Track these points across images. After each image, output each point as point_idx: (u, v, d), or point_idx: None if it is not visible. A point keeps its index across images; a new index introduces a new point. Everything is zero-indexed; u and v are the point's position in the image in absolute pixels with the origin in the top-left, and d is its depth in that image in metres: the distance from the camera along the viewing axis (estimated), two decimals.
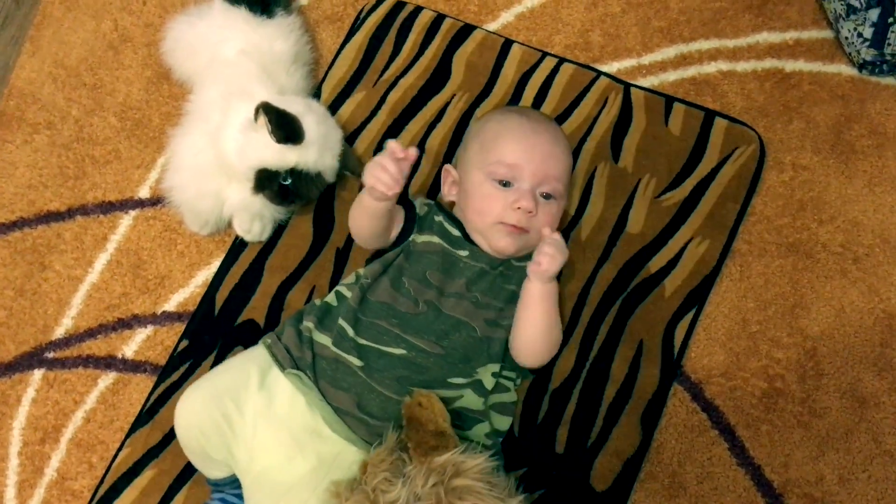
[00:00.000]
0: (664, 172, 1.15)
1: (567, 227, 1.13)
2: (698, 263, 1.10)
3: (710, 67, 1.21)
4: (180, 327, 1.15)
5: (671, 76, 1.21)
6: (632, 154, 1.16)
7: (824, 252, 1.11)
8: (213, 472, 1.00)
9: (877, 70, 1.16)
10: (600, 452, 1.04)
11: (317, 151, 1.06)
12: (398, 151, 0.97)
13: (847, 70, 1.19)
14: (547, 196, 1.02)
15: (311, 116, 1.06)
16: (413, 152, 0.97)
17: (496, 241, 1.02)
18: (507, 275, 1.03)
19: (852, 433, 1.04)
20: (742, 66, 1.21)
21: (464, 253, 1.02)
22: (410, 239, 1.04)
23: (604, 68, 1.22)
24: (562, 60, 1.21)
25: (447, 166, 1.10)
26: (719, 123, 1.16)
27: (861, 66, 1.17)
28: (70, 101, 1.28)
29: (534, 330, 0.99)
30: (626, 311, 1.09)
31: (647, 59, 1.22)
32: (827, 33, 1.20)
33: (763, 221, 1.14)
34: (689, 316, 1.09)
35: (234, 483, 1.01)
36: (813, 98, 1.18)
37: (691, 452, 1.05)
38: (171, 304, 1.17)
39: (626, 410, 1.05)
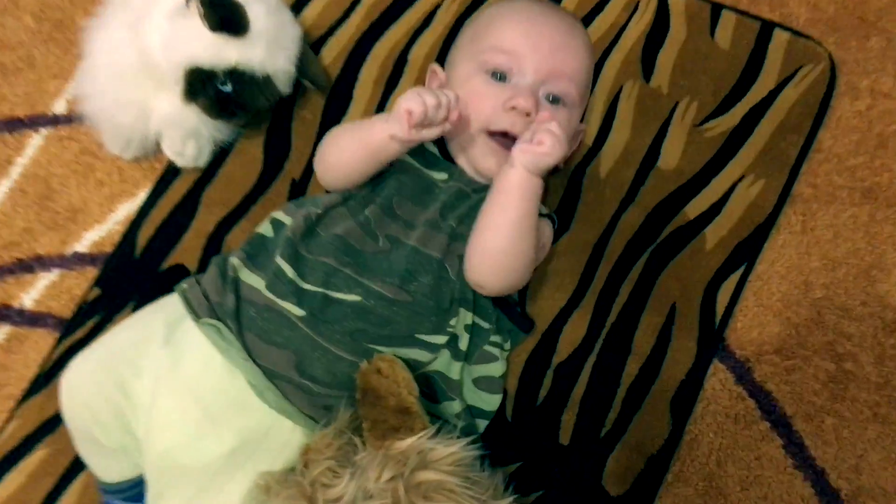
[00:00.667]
0: (708, 95, 0.93)
1: (582, 161, 0.90)
2: (749, 209, 0.89)
3: None
4: (93, 272, 0.93)
5: None
6: (668, 71, 0.94)
7: None
8: (108, 469, 0.78)
9: None
10: (617, 446, 0.82)
11: (264, 48, 0.83)
12: (453, 99, 0.75)
13: None
14: (554, 99, 0.80)
15: (259, 4, 0.83)
16: (455, 115, 0.75)
17: (481, 160, 0.79)
18: None
19: None
20: None
21: (441, 175, 0.80)
22: None
23: None
24: None
25: (433, 65, 0.87)
26: (779, 37, 0.94)
27: None
28: None
29: (499, 233, 0.73)
30: (655, 266, 0.87)
31: None
32: None
33: (832, 160, 0.92)
34: (737, 275, 0.87)
35: (132, 489, 0.79)
36: None
37: (734, 449, 0.83)
38: (83, 244, 0.95)
39: (652, 393, 0.83)
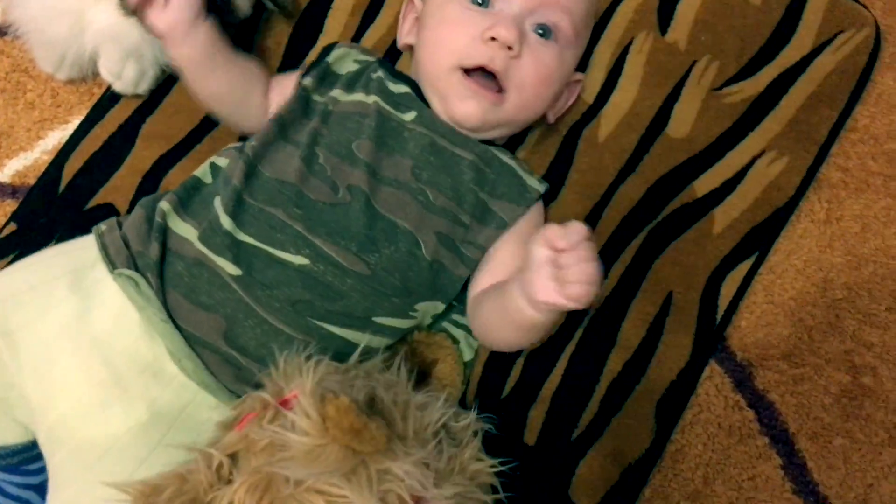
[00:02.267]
0: (732, 55, 0.81)
1: (580, 120, 0.78)
2: (768, 190, 0.77)
3: None
4: (12, 205, 0.82)
5: None
6: (687, 24, 0.82)
7: None
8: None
9: None
10: (590, 451, 0.71)
11: None
12: None
13: None
14: (543, 32, 0.68)
15: None
16: None
17: (452, 103, 0.68)
18: (480, 170, 0.68)
19: None
20: None
21: (409, 115, 0.68)
22: (332, 96, 0.69)
23: None
24: None
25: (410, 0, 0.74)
26: None
27: None
28: None
29: (504, 341, 0.67)
30: (652, 247, 0.76)
31: None
32: None
33: (868, 141, 0.80)
34: (746, 265, 0.76)
35: (21, 454, 0.68)
36: None
37: (725, 465, 0.72)
38: (4, 173, 0.84)
39: (636, 393, 0.73)
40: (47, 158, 0.83)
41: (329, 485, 0.47)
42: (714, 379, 0.74)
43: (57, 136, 0.84)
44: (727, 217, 0.76)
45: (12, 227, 0.80)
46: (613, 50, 0.80)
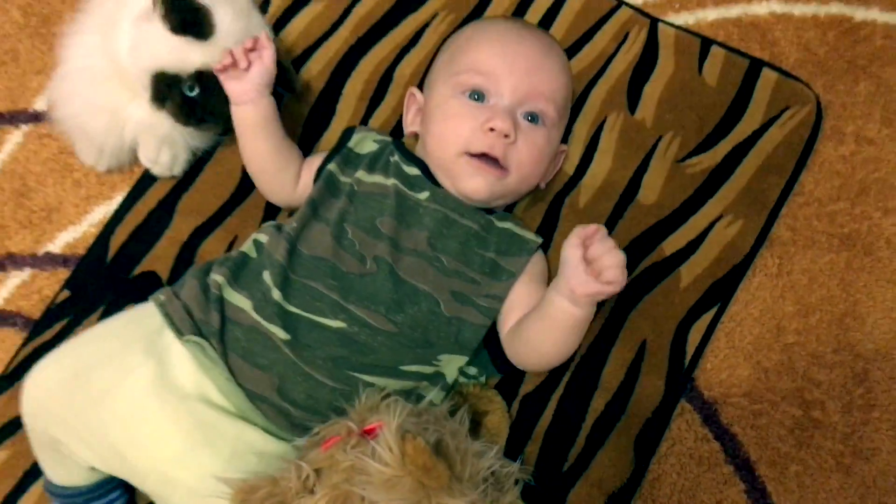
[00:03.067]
0: (692, 131, 0.92)
1: (562, 189, 0.90)
2: (726, 249, 0.88)
3: (761, 8, 0.98)
4: (64, 274, 0.93)
5: (711, 14, 0.98)
6: (653, 104, 0.93)
7: (888, 249, 0.89)
8: (59, 472, 0.78)
9: None
10: (578, 481, 0.81)
11: None
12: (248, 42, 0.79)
13: None
14: (532, 118, 0.79)
15: (226, 7, 0.83)
16: (265, 41, 0.80)
17: (463, 182, 0.79)
18: (483, 237, 0.79)
19: None
20: (801, 9, 0.98)
21: (423, 195, 0.79)
22: (356, 177, 0.80)
23: None
24: None
25: (412, 89, 0.86)
26: (767, 76, 0.93)
27: None
28: None
29: (554, 353, 0.77)
30: (627, 301, 0.86)
31: None
32: None
33: (813, 204, 0.91)
34: (709, 315, 0.86)
35: (83, 496, 0.78)
36: (887, 56, 0.96)
37: (696, 491, 0.82)
38: (56, 245, 0.95)
39: (617, 429, 0.83)
40: (94, 231, 0.94)
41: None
42: (685, 415, 0.84)
43: (102, 211, 0.95)
44: (691, 273, 0.86)
45: (66, 293, 0.90)
46: (589, 128, 0.92)
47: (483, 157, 0.78)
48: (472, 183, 0.78)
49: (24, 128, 0.99)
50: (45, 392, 0.75)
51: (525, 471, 0.72)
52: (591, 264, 0.69)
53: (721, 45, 0.95)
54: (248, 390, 0.72)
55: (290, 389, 0.72)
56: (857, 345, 0.85)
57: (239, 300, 0.75)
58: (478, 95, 0.78)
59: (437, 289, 0.76)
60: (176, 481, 0.70)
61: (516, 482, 0.70)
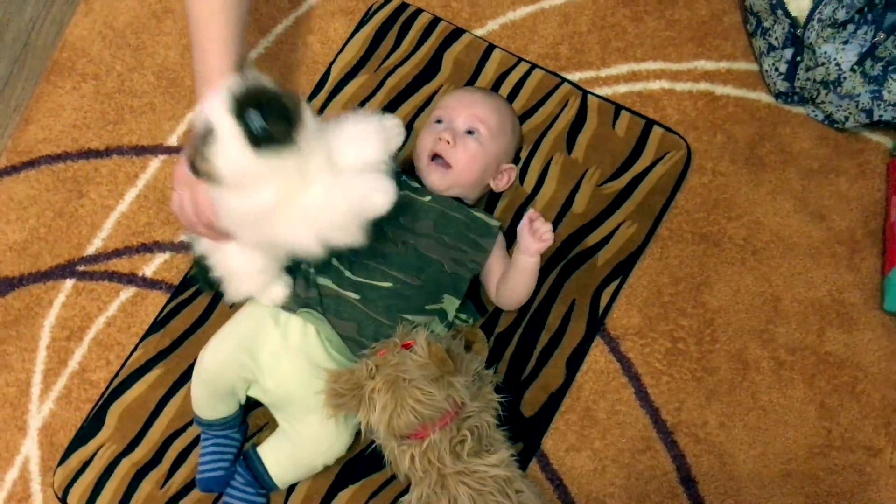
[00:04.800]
0: (607, 166, 1.37)
1: (524, 203, 1.36)
2: (627, 242, 1.33)
3: (655, 85, 1.45)
4: (193, 255, 1.36)
5: (622, 88, 1.45)
6: (583, 148, 1.39)
7: (729, 243, 1.35)
8: (216, 410, 1.17)
9: (789, 100, 1.41)
10: (530, 386, 1.25)
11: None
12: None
13: (766, 98, 1.43)
14: (469, 132, 1.22)
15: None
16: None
17: (427, 177, 1.22)
18: (468, 224, 1.22)
19: (735, 389, 1.27)
20: (681, 86, 1.45)
21: (426, 199, 1.22)
22: None
23: (568, 76, 1.45)
24: (533, 66, 1.44)
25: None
26: (656, 131, 1.39)
27: (777, 96, 1.42)
28: (115, 58, 1.50)
29: (518, 293, 1.22)
30: (564, 274, 1.31)
31: (604, 73, 1.46)
32: (752, 66, 1.45)
33: (683, 214, 1.37)
34: (615, 284, 1.31)
35: (224, 425, 1.19)
36: (735, 118, 1.42)
37: (604, 392, 1.27)
38: (186, 236, 1.39)
39: (555, 354, 1.27)
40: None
41: (424, 385, 1.05)
42: (598, 346, 1.29)
43: None
44: (604, 258, 1.31)
45: (195, 269, 1.36)
46: (541, 163, 1.37)
47: (436, 157, 1.22)
48: (430, 177, 1.22)
49: (161, 157, 1.44)
50: (218, 358, 1.15)
51: (497, 377, 1.20)
52: (535, 234, 1.16)
53: (627, 109, 1.40)
54: (340, 334, 1.15)
55: (364, 329, 1.15)
56: (707, 303, 1.32)
57: (326, 281, 1.17)
58: (439, 121, 1.24)
59: (442, 257, 1.20)
60: (295, 395, 1.14)
61: (491, 382, 1.18)
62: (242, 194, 0.93)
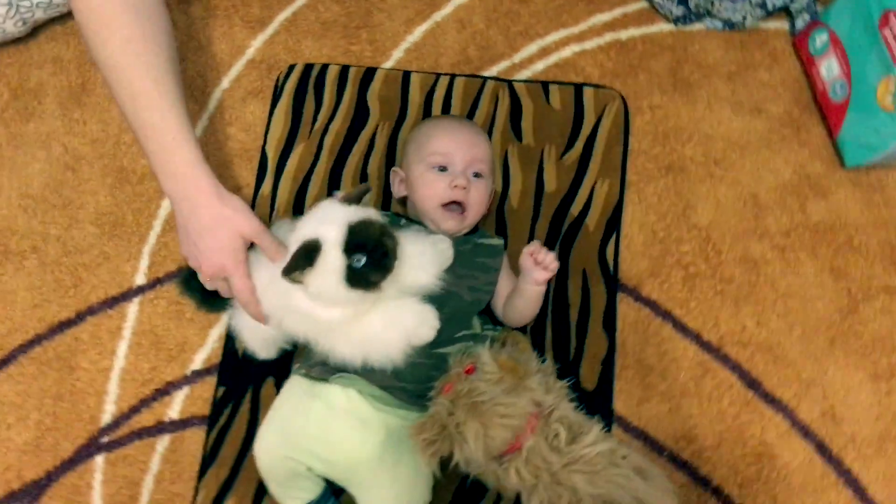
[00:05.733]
0: (559, 139, 1.44)
1: (500, 203, 1.40)
2: (606, 199, 1.39)
3: (566, 52, 1.52)
4: (212, 380, 1.33)
5: (540, 66, 1.51)
6: (530, 133, 1.44)
7: (692, 164, 1.44)
8: (295, 498, 1.17)
9: (687, 20, 1.51)
10: (581, 361, 1.30)
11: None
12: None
13: (666, 26, 1.53)
14: (477, 175, 1.27)
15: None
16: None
17: (443, 224, 1.25)
18: (475, 251, 1.26)
19: (754, 288, 1.36)
20: (589, 45, 1.52)
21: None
22: None
23: (486, 74, 1.50)
24: (453, 76, 1.49)
25: (395, 168, 1.34)
26: (587, 91, 1.47)
27: (675, 21, 1.52)
28: (46, 224, 1.44)
29: (527, 316, 1.26)
30: (565, 251, 1.36)
31: (517, 58, 1.52)
32: (644, 4, 1.55)
33: (642, 154, 1.45)
34: (612, 240, 1.37)
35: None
36: (648, 54, 1.51)
37: (647, 339, 1.33)
38: (196, 364, 1.34)
39: (590, 324, 1.32)
40: (218, 345, 1.34)
41: (504, 399, 1.06)
42: (623, 301, 1.34)
43: (217, 331, 1.34)
44: (593, 221, 1.37)
45: (222, 389, 1.31)
46: (499, 159, 1.41)
47: (451, 204, 1.25)
48: (447, 224, 1.25)
49: (136, 299, 1.38)
50: (272, 446, 1.14)
51: (551, 366, 1.23)
52: (539, 264, 1.19)
53: (553, 83, 1.47)
54: (380, 386, 1.17)
55: (402, 375, 1.15)
56: (697, 223, 1.40)
57: None
58: (441, 168, 1.28)
59: (459, 288, 1.23)
60: (357, 461, 1.14)
61: (551, 373, 1.21)
62: (313, 306, 1.03)
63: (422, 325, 1.09)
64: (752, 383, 1.30)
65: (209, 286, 1.16)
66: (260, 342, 1.22)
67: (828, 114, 1.41)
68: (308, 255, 0.99)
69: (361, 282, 1.01)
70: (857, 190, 1.40)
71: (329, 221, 1.01)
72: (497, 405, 1.08)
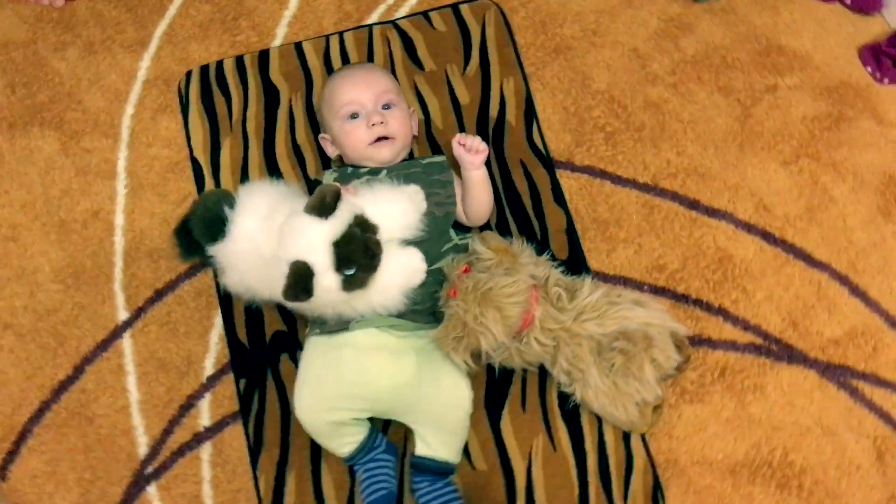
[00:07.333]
0: (456, 56, 1.55)
1: (426, 127, 1.50)
2: (515, 95, 1.53)
3: None
4: (228, 378, 1.37)
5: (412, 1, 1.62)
6: (429, 59, 1.55)
7: (574, 41, 1.59)
8: (343, 444, 1.25)
9: None
10: (549, 237, 1.43)
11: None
12: None
13: None
14: (386, 106, 1.35)
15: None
16: None
17: (378, 155, 1.34)
18: (427, 170, 1.36)
19: (664, 127, 1.53)
20: None
21: (383, 173, 1.34)
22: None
23: (370, 22, 1.59)
24: (341, 34, 1.57)
25: (322, 135, 1.41)
26: (464, 8, 1.59)
27: None
28: (8, 299, 1.42)
29: (484, 204, 1.36)
30: (498, 149, 1.48)
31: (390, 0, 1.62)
32: None
33: (531, 48, 1.58)
34: (535, 127, 1.50)
35: (364, 451, 1.26)
36: None
37: (594, 200, 1.47)
38: (209, 370, 1.38)
39: (543, 204, 1.45)
40: (222, 345, 1.38)
41: (506, 281, 1.17)
42: (563, 176, 1.47)
43: (215, 333, 1.38)
44: (512, 116, 1.48)
45: (244, 381, 1.36)
46: (412, 92, 1.51)
47: (378, 140, 1.34)
48: (381, 154, 1.33)
49: (126, 334, 1.39)
50: (313, 405, 1.22)
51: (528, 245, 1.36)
52: (470, 150, 1.31)
53: (431, 10, 1.58)
54: (396, 316, 1.23)
55: (412, 298, 1.21)
56: (598, 89, 1.55)
57: None
58: (353, 115, 1.34)
59: (430, 206, 1.29)
60: (398, 387, 1.23)
61: (528, 249, 1.33)
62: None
63: (413, 275, 1.21)
64: (692, 204, 1.48)
65: None
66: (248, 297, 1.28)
67: None
68: (305, 286, 1.10)
69: (356, 284, 1.14)
70: (714, 17, 1.59)
71: (314, 249, 1.11)
72: (503, 287, 1.20)
